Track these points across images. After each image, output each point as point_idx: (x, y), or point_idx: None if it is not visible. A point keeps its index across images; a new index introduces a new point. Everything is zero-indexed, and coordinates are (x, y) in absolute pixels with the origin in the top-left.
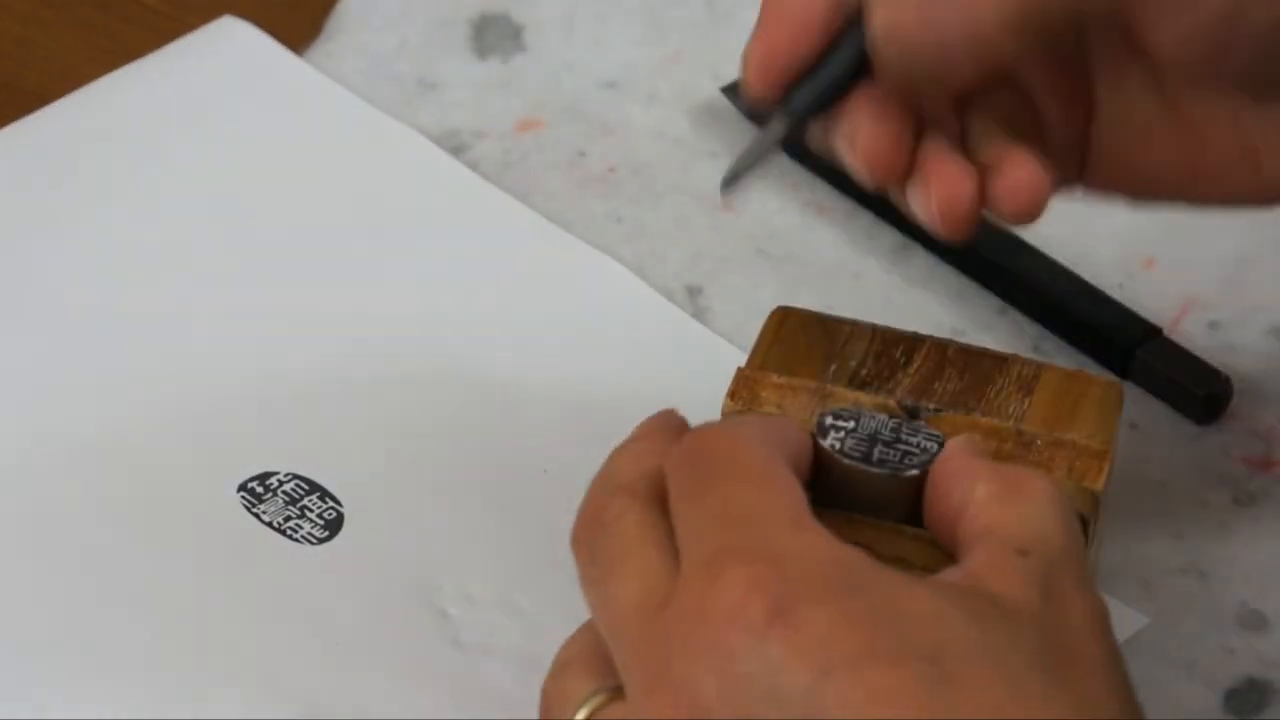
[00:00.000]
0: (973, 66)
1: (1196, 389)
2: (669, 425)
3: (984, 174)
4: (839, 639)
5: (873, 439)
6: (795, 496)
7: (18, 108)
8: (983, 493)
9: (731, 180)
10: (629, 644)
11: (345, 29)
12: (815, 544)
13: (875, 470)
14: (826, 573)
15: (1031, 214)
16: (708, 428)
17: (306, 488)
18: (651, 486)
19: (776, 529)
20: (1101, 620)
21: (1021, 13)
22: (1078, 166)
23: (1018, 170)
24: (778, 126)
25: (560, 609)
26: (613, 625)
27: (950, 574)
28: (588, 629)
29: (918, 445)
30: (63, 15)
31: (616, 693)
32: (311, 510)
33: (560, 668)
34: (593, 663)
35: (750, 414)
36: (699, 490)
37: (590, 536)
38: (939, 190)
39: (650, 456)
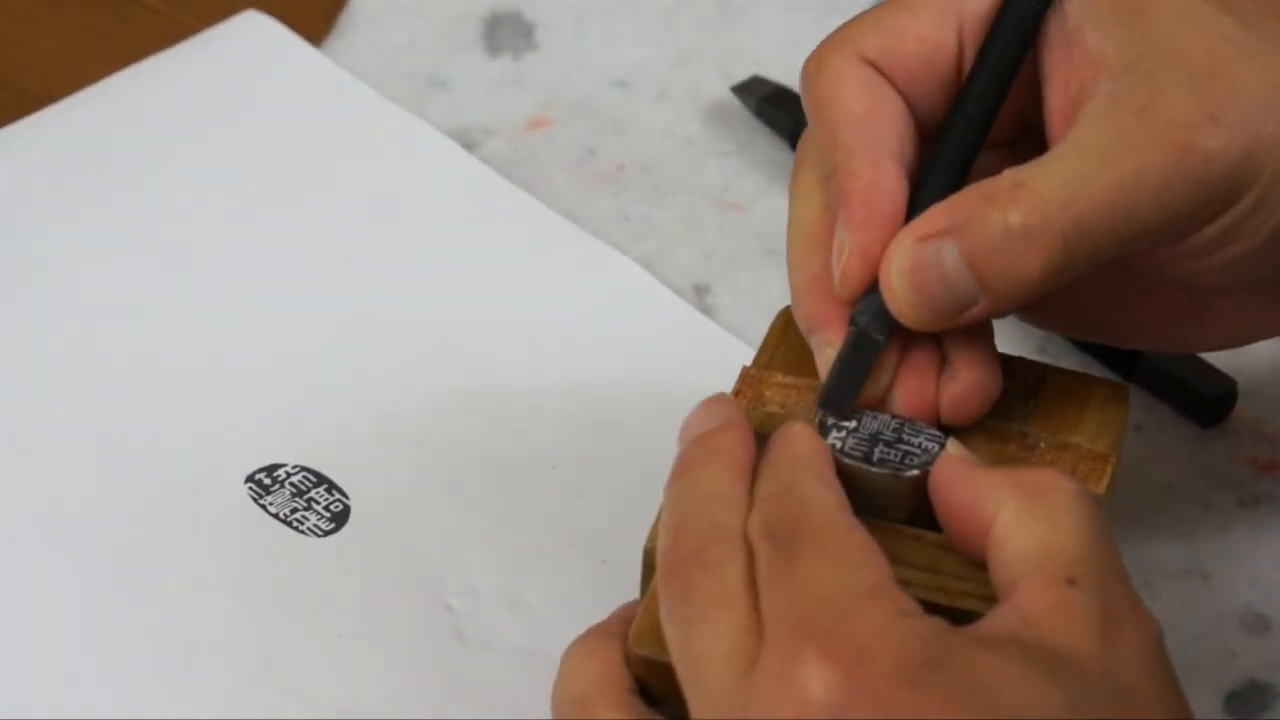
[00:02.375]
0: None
1: (1202, 391)
2: (735, 424)
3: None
4: (923, 714)
5: (874, 439)
6: (875, 565)
7: (16, 108)
8: (1010, 509)
9: (833, 403)
10: (709, 699)
11: (357, 26)
12: (894, 618)
13: (876, 470)
14: (905, 647)
15: (971, 420)
16: (790, 486)
17: (314, 480)
18: (747, 538)
19: (857, 603)
20: (1158, 647)
21: (1066, 267)
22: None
23: (970, 375)
24: (877, 332)
25: (564, 604)
26: (693, 672)
27: (1004, 619)
28: (604, 655)
29: (919, 446)
30: (61, 16)
31: None
32: (318, 502)
33: (590, 698)
34: (625, 697)
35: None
36: (784, 563)
37: (689, 573)
38: (905, 399)
39: (741, 506)
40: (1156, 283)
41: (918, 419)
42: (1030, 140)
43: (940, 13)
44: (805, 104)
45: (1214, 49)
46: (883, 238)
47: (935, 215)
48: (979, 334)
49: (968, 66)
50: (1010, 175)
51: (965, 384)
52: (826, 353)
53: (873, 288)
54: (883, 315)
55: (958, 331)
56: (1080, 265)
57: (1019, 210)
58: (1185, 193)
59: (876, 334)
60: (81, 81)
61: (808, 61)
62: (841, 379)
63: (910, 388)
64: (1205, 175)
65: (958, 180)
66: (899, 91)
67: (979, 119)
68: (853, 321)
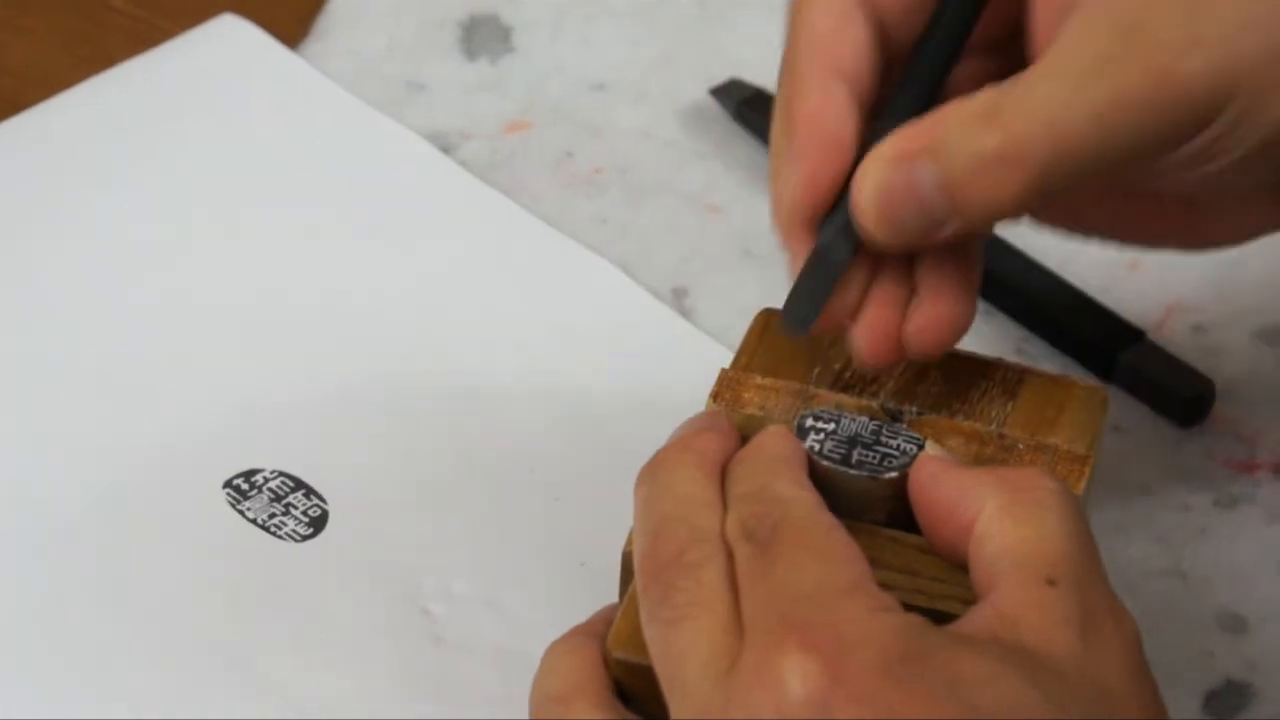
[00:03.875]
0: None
1: (1180, 392)
2: (717, 428)
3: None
4: (902, 710)
5: (852, 441)
6: (853, 562)
7: None
8: (991, 507)
9: (794, 318)
10: (689, 699)
11: (334, 29)
12: (874, 613)
13: (854, 472)
14: (885, 641)
15: (934, 355)
16: (765, 487)
17: (292, 485)
18: (724, 539)
19: (836, 599)
20: (1136, 648)
21: (1042, 191)
22: None
23: (935, 306)
24: (837, 252)
25: (541, 607)
26: (673, 674)
27: (984, 617)
28: (585, 654)
29: (897, 448)
30: (37, 21)
31: None
32: (296, 508)
33: (569, 697)
34: (604, 696)
35: (776, 429)
36: (763, 562)
37: (669, 575)
38: (868, 325)
39: (716, 508)
40: (1145, 190)
41: (880, 350)
42: (1016, 44)
43: None
44: (786, 20)
45: None
46: (829, 165)
47: (912, 134)
48: (956, 262)
49: None
50: (989, 96)
51: (929, 315)
52: (794, 267)
53: (839, 205)
54: (846, 232)
55: (933, 259)
56: (1057, 188)
57: (997, 134)
58: (1163, 117)
59: (839, 253)
60: (57, 86)
61: None
62: (802, 296)
63: (874, 315)
64: (1182, 99)
65: (929, 98)
66: (879, 11)
67: (951, 31)
68: (819, 237)
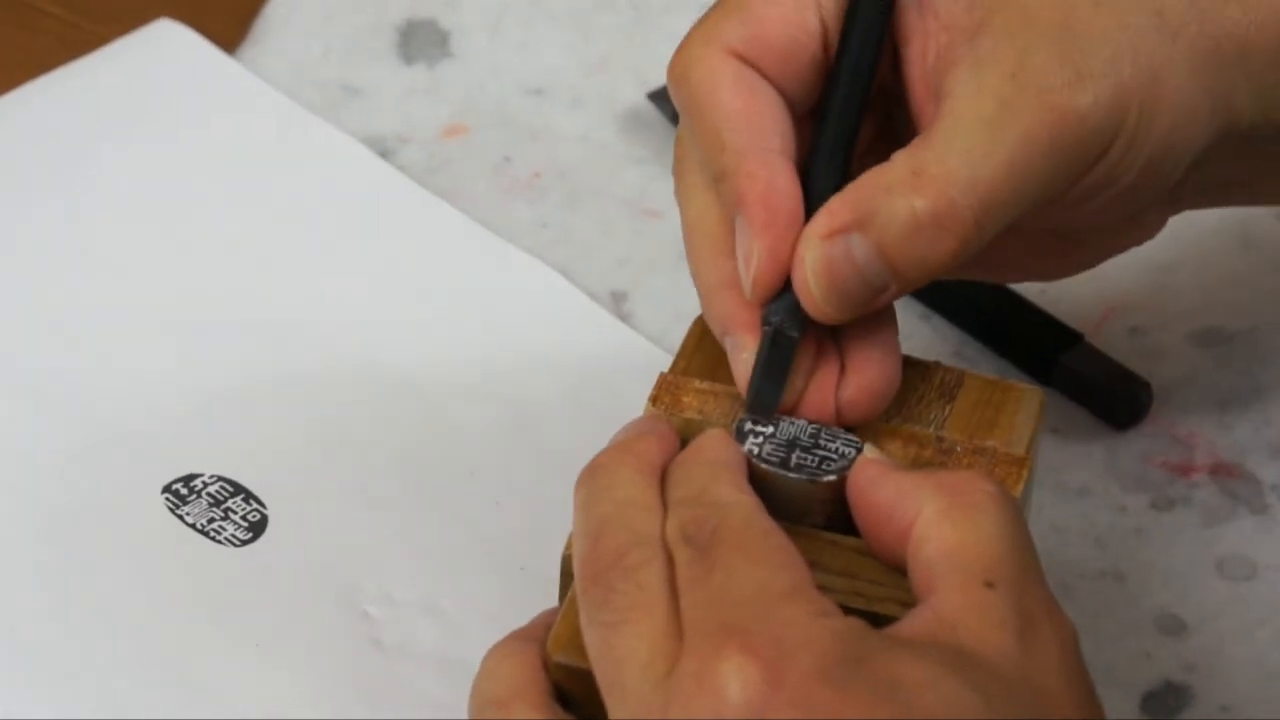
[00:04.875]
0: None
1: (1117, 394)
2: (657, 432)
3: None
4: (841, 714)
5: (791, 444)
6: (793, 566)
7: None
8: (930, 511)
9: (760, 407)
10: (627, 702)
11: (270, 34)
12: (813, 617)
13: (793, 476)
14: (824, 646)
15: (866, 419)
16: (704, 491)
17: (231, 490)
18: (664, 543)
19: (775, 603)
20: (1073, 650)
21: (978, 244)
22: None
23: (863, 377)
24: (790, 331)
25: (481, 611)
26: (613, 677)
27: (923, 620)
28: (524, 658)
29: (836, 451)
30: None
31: None
32: (235, 512)
33: (508, 700)
34: (543, 699)
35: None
36: (702, 566)
37: (608, 579)
38: (808, 404)
39: (656, 511)
40: (1031, 229)
41: (823, 421)
42: (895, 105)
43: None
44: (680, 106)
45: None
46: (789, 238)
47: (838, 209)
48: (875, 327)
49: (833, 46)
50: (904, 161)
51: (859, 387)
52: (743, 357)
53: (785, 287)
54: (795, 312)
55: (854, 327)
56: (987, 238)
57: (924, 198)
58: (1068, 152)
59: (791, 330)
60: None
61: (673, 64)
62: (765, 381)
63: (813, 395)
64: (1082, 132)
65: (845, 166)
66: (770, 81)
67: (854, 97)
68: (765, 321)
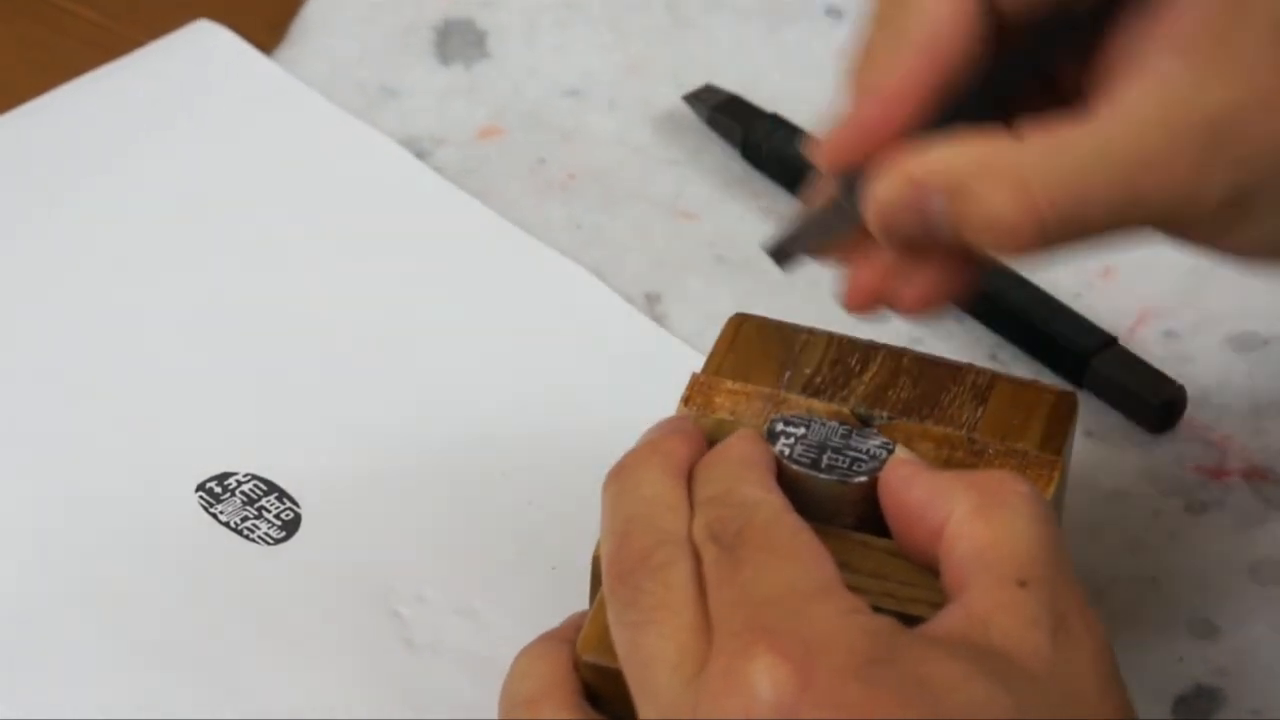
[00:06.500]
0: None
1: (1151, 398)
2: (684, 431)
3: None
4: (872, 713)
5: (822, 446)
6: (821, 564)
7: None
8: (962, 510)
9: (782, 254)
10: (658, 703)
11: (308, 35)
12: (843, 615)
13: (824, 476)
14: (855, 644)
15: (921, 317)
16: (731, 490)
17: (265, 488)
18: (691, 542)
19: (805, 601)
20: (1106, 651)
21: (1044, 248)
22: None
23: (919, 284)
24: (845, 209)
25: (512, 611)
26: (642, 677)
27: (954, 618)
28: (555, 658)
29: (867, 452)
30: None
31: None
32: (269, 511)
33: (538, 699)
34: (573, 698)
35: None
36: (730, 565)
37: (635, 578)
38: (852, 279)
39: (682, 510)
40: None
41: (859, 304)
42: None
43: None
44: None
45: None
46: (881, 129)
47: (939, 163)
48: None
49: None
50: (1012, 149)
51: (912, 297)
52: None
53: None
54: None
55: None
56: (1065, 246)
57: (1006, 194)
58: (1162, 211)
59: (848, 215)
60: (21, 96)
61: None
62: (798, 234)
63: (859, 274)
64: (1196, 201)
65: (990, 105)
66: None
67: (1043, 47)
68: (840, 186)
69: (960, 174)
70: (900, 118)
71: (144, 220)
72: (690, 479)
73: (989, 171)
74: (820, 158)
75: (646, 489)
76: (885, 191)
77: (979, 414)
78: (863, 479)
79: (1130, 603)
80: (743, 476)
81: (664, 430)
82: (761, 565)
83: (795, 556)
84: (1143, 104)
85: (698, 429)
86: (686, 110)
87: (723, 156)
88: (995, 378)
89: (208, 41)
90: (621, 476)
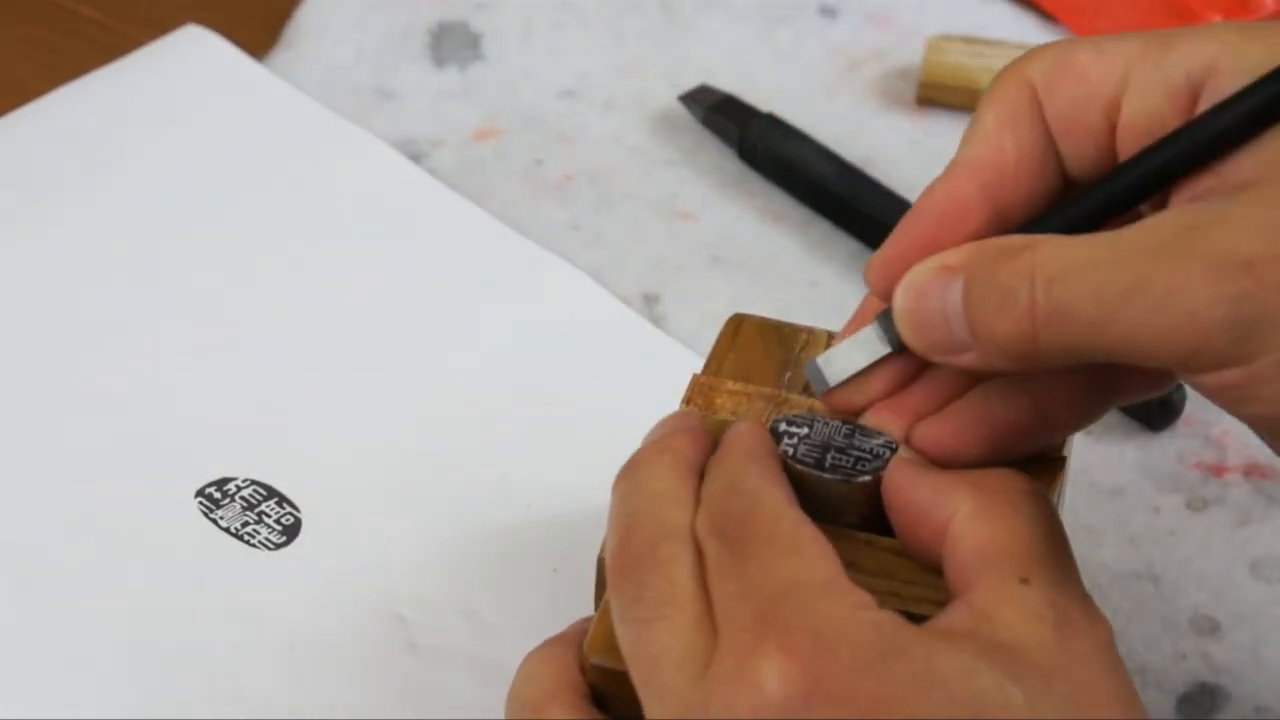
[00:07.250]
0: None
1: None
2: (691, 429)
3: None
4: (882, 707)
5: (826, 445)
6: (826, 558)
7: None
8: (966, 509)
9: (820, 384)
10: (665, 700)
11: (303, 38)
12: (850, 610)
13: (828, 476)
14: (863, 639)
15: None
16: (734, 483)
17: (264, 493)
18: (694, 536)
19: (812, 596)
20: (1108, 645)
21: (1034, 341)
22: None
23: (939, 426)
24: (889, 328)
25: (514, 613)
26: (648, 674)
27: (959, 615)
28: (561, 662)
29: (871, 451)
30: (4, 32)
31: None
32: (269, 515)
33: (544, 702)
34: (579, 701)
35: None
36: (734, 559)
37: (638, 573)
38: (876, 413)
39: (686, 504)
40: None
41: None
42: None
43: (1117, 57)
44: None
45: None
46: (915, 255)
47: (965, 249)
48: (985, 402)
49: (1133, 120)
50: (1031, 237)
51: (927, 439)
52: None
53: None
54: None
55: (980, 392)
56: (1054, 349)
57: (1010, 271)
58: (1175, 334)
59: (887, 342)
60: (24, 97)
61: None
62: (838, 361)
63: (880, 413)
64: (1199, 337)
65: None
66: (1048, 126)
67: (1115, 200)
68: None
69: (976, 255)
70: (952, 239)
71: (140, 227)
72: (703, 476)
73: (1000, 249)
74: (870, 276)
75: (652, 484)
76: (910, 281)
77: None
78: (866, 478)
79: (1132, 600)
80: (747, 470)
81: (672, 427)
82: (766, 559)
83: (799, 550)
84: (1155, 229)
85: (702, 424)
86: (682, 110)
87: (719, 156)
88: None
89: (195, 47)
90: (630, 473)
